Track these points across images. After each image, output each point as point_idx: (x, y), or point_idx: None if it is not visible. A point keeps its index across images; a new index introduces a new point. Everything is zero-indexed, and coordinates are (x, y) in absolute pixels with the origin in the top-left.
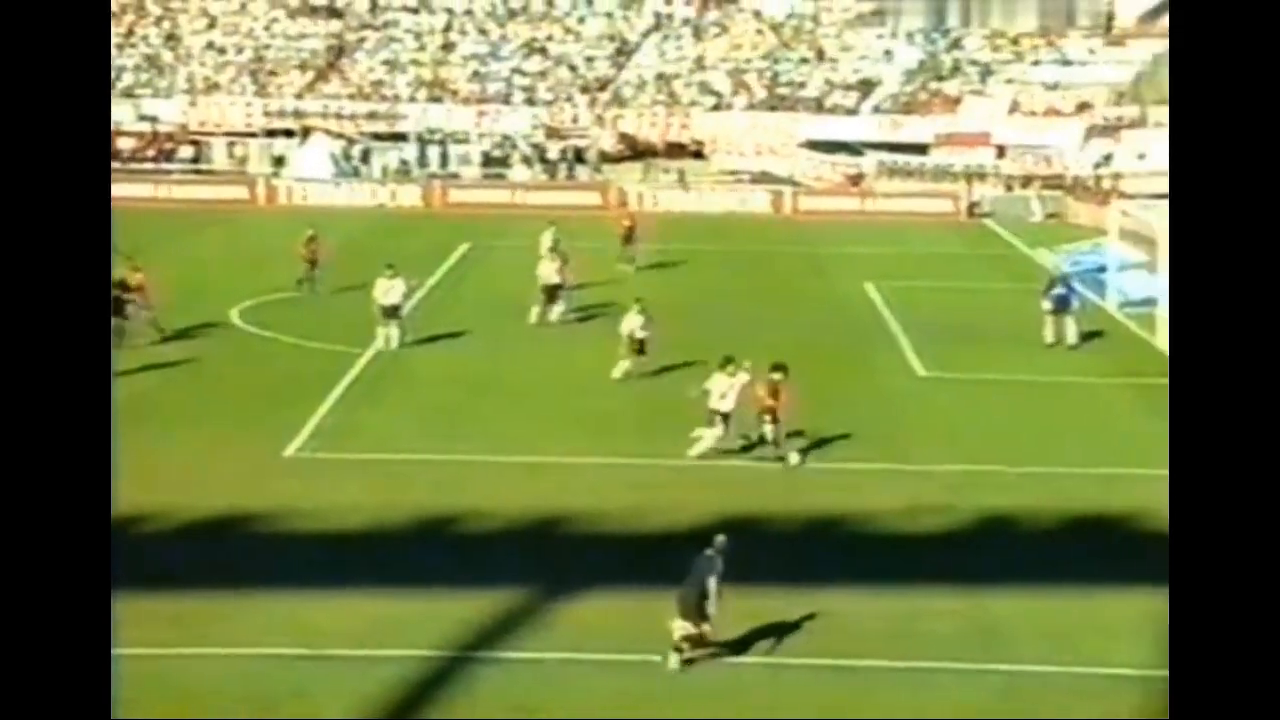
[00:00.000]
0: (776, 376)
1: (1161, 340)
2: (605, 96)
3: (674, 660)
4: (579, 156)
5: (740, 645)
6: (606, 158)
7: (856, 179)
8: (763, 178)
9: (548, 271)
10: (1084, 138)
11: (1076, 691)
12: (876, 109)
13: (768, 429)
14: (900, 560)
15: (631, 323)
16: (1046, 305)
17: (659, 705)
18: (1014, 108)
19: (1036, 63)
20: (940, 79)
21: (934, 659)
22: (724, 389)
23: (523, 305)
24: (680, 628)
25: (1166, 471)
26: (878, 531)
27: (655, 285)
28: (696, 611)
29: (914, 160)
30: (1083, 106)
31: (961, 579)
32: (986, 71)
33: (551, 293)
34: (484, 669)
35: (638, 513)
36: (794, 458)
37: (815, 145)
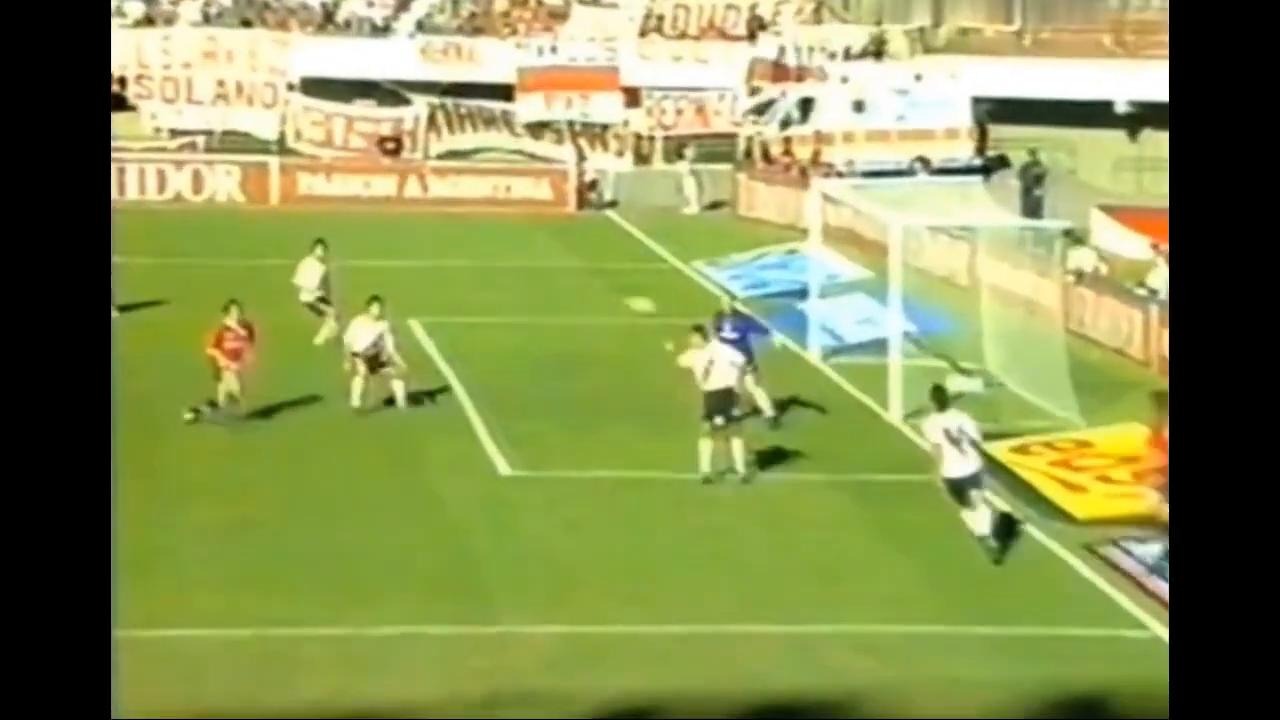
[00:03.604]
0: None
1: (895, 413)
2: None
3: None
4: None
5: None
6: None
7: (393, 144)
8: (231, 141)
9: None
10: (752, 74)
11: None
12: (423, 26)
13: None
14: None
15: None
16: None
17: None
18: (651, 24)
19: None
20: None
21: None
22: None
23: None
24: None
25: (910, 629)
26: None
27: None
28: None
29: (489, 110)
30: (759, 23)
31: None
32: None
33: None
34: None
35: None
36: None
37: (320, 86)
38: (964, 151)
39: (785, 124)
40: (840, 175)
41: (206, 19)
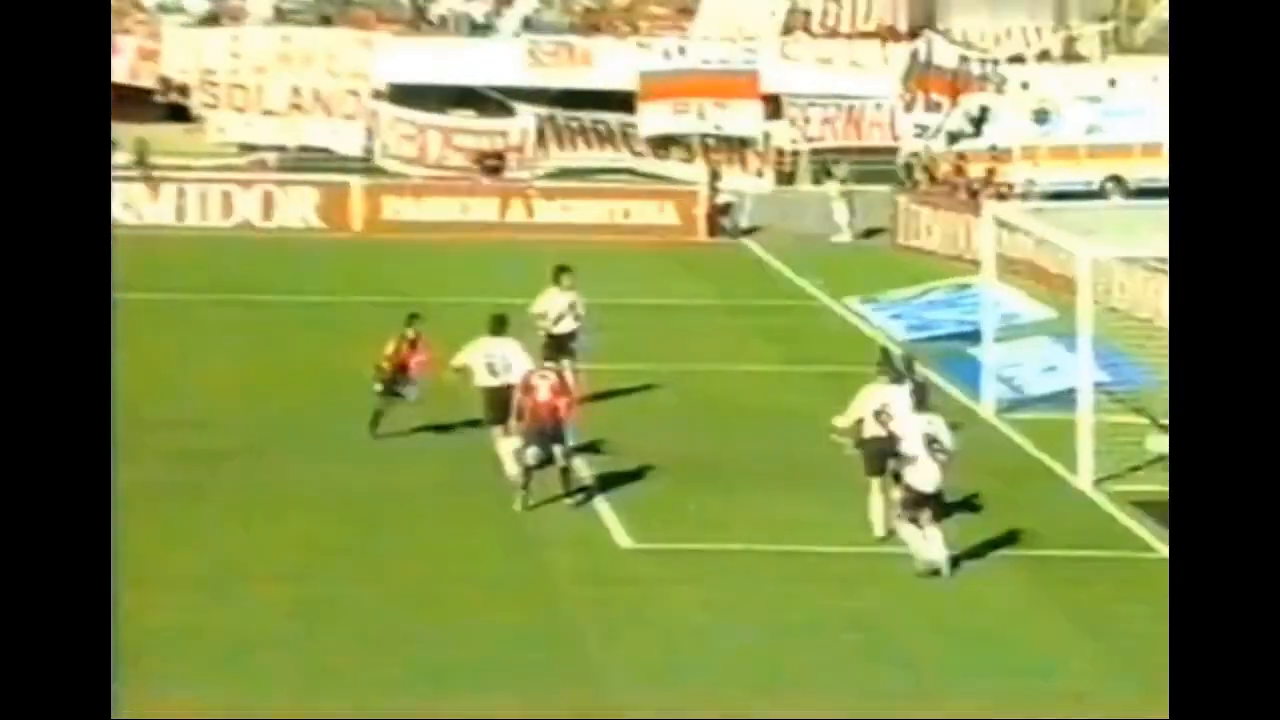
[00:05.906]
0: None
1: (1085, 478)
2: None
3: None
4: None
5: None
6: None
7: (495, 162)
8: (307, 158)
9: None
10: (911, 79)
11: None
12: (530, 24)
13: None
14: None
15: None
16: None
17: None
18: (796, 20)
19: None
20: None
21: None
22: None
23: None
24: None
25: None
26: None
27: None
28: None
29: (607, 122)
30: (923, 19)
31: None
32: None
33: None
34: None
35: None
36: None
37: (411, 94)
38: (1166, 170)
39: (954, 138)
40: (1020, 198)
41: (280, 16)
